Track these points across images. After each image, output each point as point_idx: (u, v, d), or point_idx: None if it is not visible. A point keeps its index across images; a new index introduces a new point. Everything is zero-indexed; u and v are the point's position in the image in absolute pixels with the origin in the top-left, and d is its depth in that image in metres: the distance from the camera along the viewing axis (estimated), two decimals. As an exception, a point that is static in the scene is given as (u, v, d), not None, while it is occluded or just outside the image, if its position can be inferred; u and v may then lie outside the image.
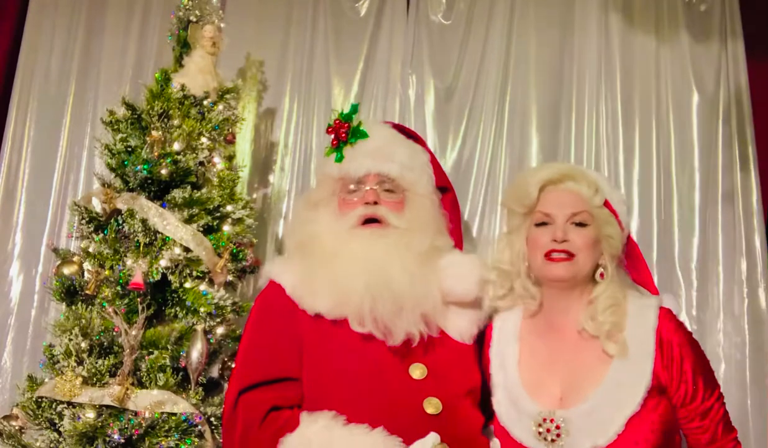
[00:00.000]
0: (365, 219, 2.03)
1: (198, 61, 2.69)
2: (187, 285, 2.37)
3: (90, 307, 2.33)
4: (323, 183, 2.18)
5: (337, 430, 1.78)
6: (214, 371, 2.47)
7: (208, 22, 2.75)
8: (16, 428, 2.23)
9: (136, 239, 2.37)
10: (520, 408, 1.88)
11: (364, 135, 2.11)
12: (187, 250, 2.38)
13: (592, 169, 2.74)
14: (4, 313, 3.04)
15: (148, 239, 2.37)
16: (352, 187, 2.08)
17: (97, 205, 2.47)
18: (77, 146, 3.19)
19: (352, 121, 2.13)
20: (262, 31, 3.20)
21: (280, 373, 1.91)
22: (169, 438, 2.12)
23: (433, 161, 2.28)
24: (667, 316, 1.88)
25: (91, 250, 2.42)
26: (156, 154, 2.43)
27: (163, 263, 2.33)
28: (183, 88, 2.58)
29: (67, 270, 2.41)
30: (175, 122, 2.52)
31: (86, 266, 2.39)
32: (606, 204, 1.96)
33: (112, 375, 2.20)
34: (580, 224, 1.90)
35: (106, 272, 2.35)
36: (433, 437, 1.76)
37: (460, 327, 2.01)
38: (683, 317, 2.60)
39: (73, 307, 2.36)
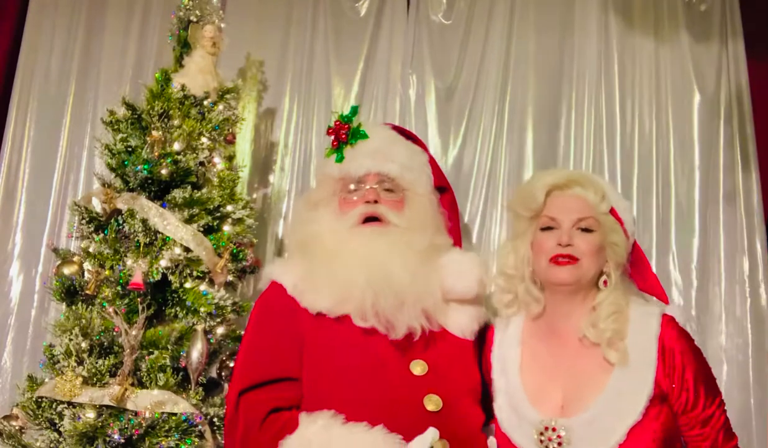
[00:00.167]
0: (366, 217, 2.06)
1: (198, 61, 2.69)
2: (188, 285, 2.37)
3: (90, 307, 2.33)
4: (324, 183, 2.21)
5: (336, 429, 1.79)
6: (214, 371, 2.47)
7: (209, 22, 2.75)
8: (16, 428, 2.23)
9: (136, 239, 2.37)
10: (522, 415, 1.88)
11: (364, 136, 2.15)
12: (187, 250, 2.38)
13: (592, 170, 2.75)
14: (4, 313, 3.04)
15: (148, 239, 2.37)
16: (352, 187, 2.11)
17: (97, 205, 2.47)
18: (77, 146, 3.19)
19: (352, 123, 2.16)
20: (262, 31, 3.20)
21: (280, 373, 1.92)
22: (170, 438, 2.12)
23: (432, 162, 2.31)
24: (669, 323, 1.87)
25: (91, 250, 2.42)
26: (156, 154, 2.43)
27: (164, 263, 2.33)
28: (183, 88, 2.58)
29: (67, 270, 2.41)
30: (176, 122, 2.52)
31: (86, 266, 2.39)
32: (612, 212, 1.96)
33: (113, 375, 2.20)
34: (586, 230, 1.89)
35: (107, 272, 2.35)
36: (432, 433, 1.76)
37: (461, 323, 2.04)
38: (684, 319, 2.60)
39: (73, 307, 2.36)
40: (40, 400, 2.23)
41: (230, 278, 2.49)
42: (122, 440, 2.07)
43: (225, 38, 2.80)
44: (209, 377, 2.40)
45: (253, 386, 1.89)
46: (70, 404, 2.17)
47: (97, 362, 2.20)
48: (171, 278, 2.35)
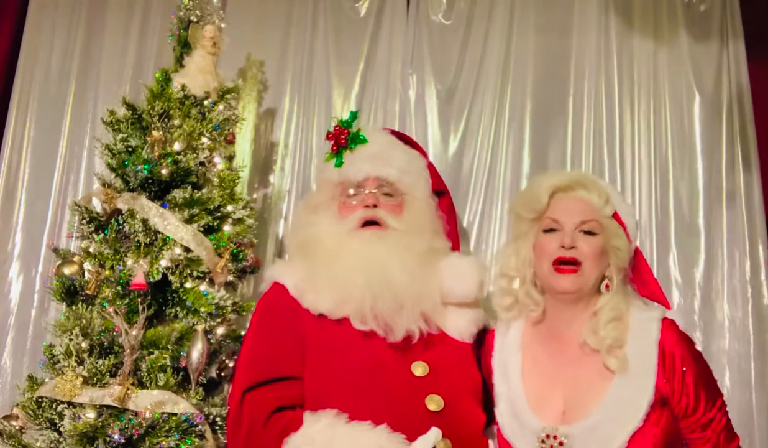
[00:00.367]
0: (365, 221, 2.08)
1: (198, 61, 2.69)
2: (188, 285, 2.37)
3: (90, 307, 2.32)
4: (323, 187, 2.23)
5: (340, 427, 1.80)
6: (214, 371, 2.46)
7: (209, 22, 2.75)
8: (17, 428, 2.23)
9: (136, 239, 2.37)
10: (523, 422, 1.87)
11: (363, 140, 2.17)
12: (187, 250, 2.38)
13: (591, 171, 2.75)
14: (4, 313, 3.04)
15: (148, 239, 2.37)
16: (351, 191, 2.14)
17: (97, 205, 2.47)
18: (77, 146, 3.19)
19: (352, 128, 2.19)
20: (263, 31, 3.20)
21: (284, 372, 1.94)
22: (170, 438, 2.12)
23: (430, 166, 2.35)
24: (669, 327, 1.87)
25: (91, 250, 2.42)
26: (156, 154, 2.43)
27: (164, 263, 2.33)
28: (183, 88, 2.58)
29: (67, 270, 2.41)
30: (176, 122, 2.52)
31: (86, 266, 2.39)
32: (615, 216, 1.96)
33: (113, 375, 2.20)
34: (589, 233, 1.89)
35: (107, 272, 2.35)
36: (435, 433, 1.78)
37: (460, 326, 2.05)
38: (685, 321, 2.60)
39: (74, 307, 2.35)
40: (40, 400, 2.22)
41: (230, 278, 2.49)
42: (122, 440, 2.07)
43: (225, 38, 2.80)
44: (209, 377, 2.40)
45: (257, 384, 1.91)
46: (70, 404, 2.17)
47: (97, 362, 2.19)
48: (171, 278, 2.35)
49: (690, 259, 2.70)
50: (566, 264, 1.87)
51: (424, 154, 2.39)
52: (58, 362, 2.24)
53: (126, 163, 2.46)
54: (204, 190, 2.51)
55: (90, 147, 3.14)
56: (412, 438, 1.78)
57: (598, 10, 2.94)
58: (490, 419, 1.99)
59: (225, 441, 2.15)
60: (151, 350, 2.27)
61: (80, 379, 2.17)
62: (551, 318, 1.96)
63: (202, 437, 2.17)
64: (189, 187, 2.48)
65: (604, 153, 2.83)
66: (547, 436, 1.82)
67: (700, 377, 1.84)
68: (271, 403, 1.89)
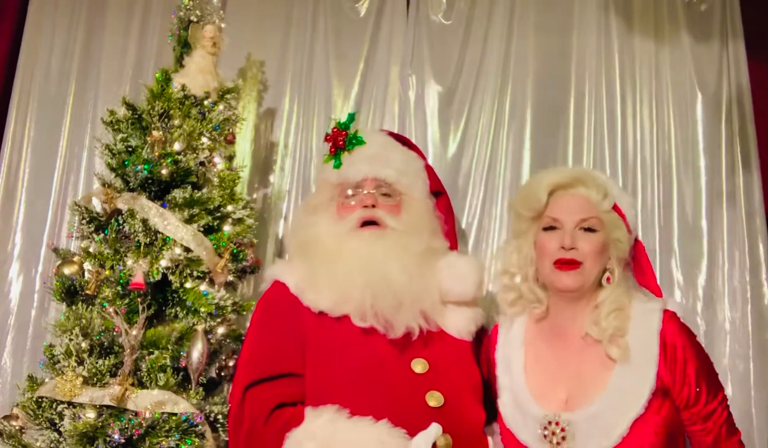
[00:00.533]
0: (363, 221, 2.10)
1: (198, 61, 2.69)
2: (188, 285, 2.37)
3: (90, 307, 2.33)
4: (322, 189, 2.26)
5: (342, 423, 1.82)
6: (214, 371, 2.46)
7: (209, 22, 2.75)
8: (17, 428, 2.23)
9: (136, 239, 2.37)
10: (526, 412, 1.89)
11: (361, 142, 2.20)
12: (187, 250, 2.38)
13: (592, 170, 2.75)
14: (4, 313, 3.03)
15: (148, 239, 2.37)
16: (350, 192, 2.16)
17: (97, 206, 2.47)
18: (77, 146, 3.19)
19: (350, 129, 2.22)
20: (263, 31, 3.20)
21: (285, 369, 1.96)
22: (170, 438, 2.12)
23: (428, 167, 2.37)
24: (671, 319, 1.88)
25: (91, 250, 2.42)
26: (156, 154, 2.43)
27: (164, 263, 2.33)
28: (183, 88, 2.58)
29: (67, 270, 2.41)
30: (176, 122, 2.52)
31: (86, 266, 2.39)
32: (615, 208, 1.97)
33: (113, 375, 2.20)
34: (589, 230, 1.90)
35: (107, 272, 2.35)
36: (435, 428, 1.79)
37: (458, 324, 2.08)
38: (687, 322, 2.59)
39: (74, 307, 2.35)
40: (40, 400, 2.22)
41: (230, 278, 2.49)
42: (122, 440, 2.07)
43: (225, 38, 2.80)
44: (209, 376, 2.40)
45: (258, 381, 1.93)
46: (70, 404, 2.17)
47: (97, 362, 2.20)
48: (171, 278, 2.35)
49: (692, 260, 2.70)
50: (567, 263, 1.89)
51: (422, 156, 2.42)
52: (58, 362, 2.24)
53: (126, 163, 2.46)
54: (204, 190, 2.51)
55: (90, 147, 3.14)
56: (412, 434, 1.79)
57: (598, 10, 2.94)
58: (490, 416, 2.00)
59: (226, 439, 2.15)
60: (151, 350, 2.27)
61: (80, 379, 2.17)
62: (554, 315, 1.97)
63: (202, 437, 2.17)
64: (189, 187, 2.48)
65: (605, 153, 2.82)
66: (549, 423, 1.83)
67: (702, 368, 1.85)
68: (272, 400, 1.90)
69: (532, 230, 2.00)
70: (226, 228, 2.50)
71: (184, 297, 2.36)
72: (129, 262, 2.32)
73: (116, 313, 2.24)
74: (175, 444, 2.11)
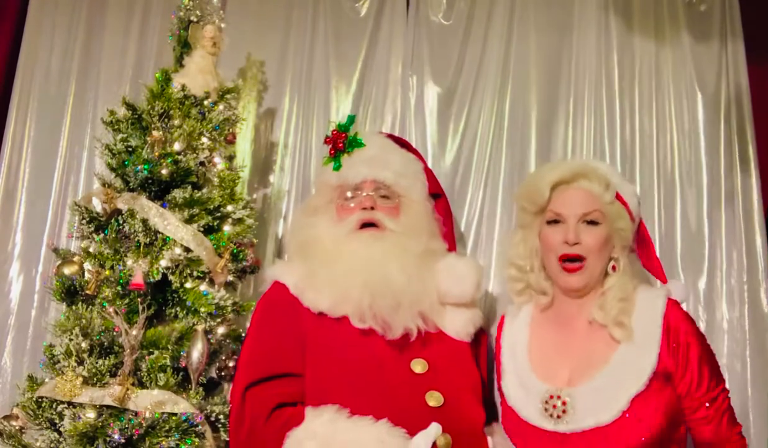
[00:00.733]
0: (363, 223, 2.12)
1: (198, 61, 2.69)
2: (188, 285, 2.37)
3: (90, 307, 2.32)
4: (322, 191, 2.28)
5: (342, 422, 1.83)
6: (214, 371, 2.47)
7: (209, 22, 2.75)
8: (17, 428, 2.23)
9: (136, 239, 2.37)
10: (529, 388, 1.92)
11: (360, 144, 2.22)
12: (187, 250, 2.38)
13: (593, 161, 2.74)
14: (4, 313, 3.03)
15: (148, 239, 2.37)
16: (349, 194, 2.18)
17: (97, 206, 2.46)
18: (77, 146, 3.19)
19: (349, 132, 2.24)
20: (262, 31, 3.20)
21: (285, 369, 1.98)
22: (170, 438, 2.12)
23: (426, 169, 2.39)
24: (675, 305, 1.92)
25: (91, 250, 2.42)
26: (156, 154, 2.43)
27: (164, 263, 2.33)
28: (183, 88, 2.58)
29: (67, 270, 2.40)
30: (176, 122, 2.52)
31: (87, 266, 2.39)
32: (617, 196, 2.00)
33: (113, 375, 2.20)
34: (592, 222, 1.94)
35: (107, 272, 2.35)
36: (435, 428, 1.81)
37: (457, 325, 2.10)
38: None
39: (74, 307, 2.35)
40: (40, 400, 2.22)
41: (230, 278, 2.49)
42: (122, 440, 2.07)
43: (225, 38, 2.79)
44: (209, 376, 2.40)
45: (258, 380, 1.95)
46: (70, 404, 2.17)
47: (97, 362, 2.19)
48: (171, 278, 2.35)
49: (694, 260, 2.70)
50: (572, 261, 1.92)
51: (421, 158, 2.44)
52: (58, 362, 2.24)
53: (126, 163, 2.46)
54: (204, 190, 2.51)
55: (90, 147, 3.14)
56: (412, 433, 1.81)
57: (598, 11, 2.94)
58: (490, 417, 2.01)
59: (226, 439, 2.15)
60: (151, 350, 2.27)
61: (80, 379, 2.17)
62: (559, 305, 2.01)
63: (202, 436, 2.17)
64: (189, 187, 2.48)
65: (605, 153, 2.82)
66: (551, 397, 1.86)
67: (704, 354, 1.88)
68: (272, 399, 1.92)
69: (536, 223, 2.04)
70: (226, 228, 2.50)
71: (184, 297, 2.36)
72: (129, 262, 2.32)
73: (116, 313, 2.24)
74: (175, 444, 2.11)
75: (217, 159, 2.59)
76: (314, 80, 3.11)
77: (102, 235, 2.44)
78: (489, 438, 1.99)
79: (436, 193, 2.40)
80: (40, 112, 3.24)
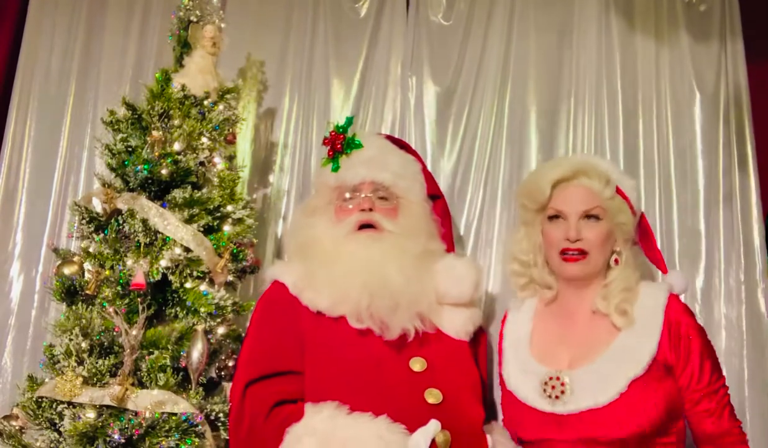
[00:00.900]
0: (361, 225, 2.14)
1: (198, 61, 2.69)
2: (188, 285, 2.37)
3: (90, 307, 2.33)
4: (320, 192, 2.30)
5: (341, 419, 1.84)
6: (213, 371, 2.47)
7: (209, 22, 2.75)
8: (17, 428, 2.23)
9: (136, 239, 2.37)
10: (528, 372, 1.96)
11: (358, 145, 2.24)
12: (187, 250, 2.38)
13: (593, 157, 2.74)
14: (5, 313, 3.03)
15: (148, 239, 2.37)
16: (347, 195, 2.20)
17: (97, 206, 2.47)
18: (77, 146, 3.19)
19: (348, 133, 2.25)
20: (262, 32, 3.20)
21: (284, 366, 1.99)
22: (170, 438, 2.12)
23: (425, 171, 2.42)
24: (676, 300, 1.96)
25: (91, 250, 2.42)
26: (156, 154, 2.43)
27: (164, 263, 2.33)
28: (183, 88, 2.58)
29: (67, 270, 2.41)
30: (176, 122, 2.53)
31: (87, 266, 2.39)
32: (617, 190, 2.03)
33: (113, 375, 2.21)
34: (593, 218, 1.97)
35: (107, 272, 2.35)
36: (434, 425, 1.82)
37: (456, 324, 2.12)
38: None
39: (74, 307, 2.35)
40: (40, 400, 2.22)
41: (230, 278, 2.49)
42: (122, 440, 2.07)
43: (225, 38, 2.80)
44: (209, 376, 2.40)
45: (258, 378, 1.96)
46: (70, 404, 2.17)
47: (97, 362, 2.20)
48: (171, 278, 2.35)
49: (692, 259, 2.70)
50: (572, 252, 1.96)
51: (419, 159, 2.46)
52: (58, 362, 2.24)
53: (126, 163, 2.46)
54: (204, 190, 2.51)
55: (90, 147, 3.14)
56: (411, 431, 1.82)
57: (598, 11, 2.94)
58: (489, 415, 2.02)
59: (226, 439, 2.16)
60: (151, 350, 2.27)
61: (80, 379, 2.17)
62: (563, 298, 2.05)
63: (202, 436, 2.17)
64: (189, 187, 2.48)
65: (605, 153, 2.82)
66: (550, 378, 1.89)
67: (706, 348, 1.90)
68: (272, 397, 1.93)
69: (538, 220, 2.07)
70: (226, 228, 2.50)
71: (184, 297, 2.36)
72: (129, 262, 2.32)
73: (116, 313, 2.24)
74: (175, 444, 2.11)
75: (217, 159, 2.59)
76: (314, 80, 3.11)
77: (102, 235, 2.44)
78: (488, 436, 1.99)
79: (434, 195, 2.41)
80: (40, 112, 3.24)
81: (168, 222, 2.39)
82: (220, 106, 2.65)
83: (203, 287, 2.38)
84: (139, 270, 2.28)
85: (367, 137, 2.29)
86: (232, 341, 2.42)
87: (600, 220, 1.97)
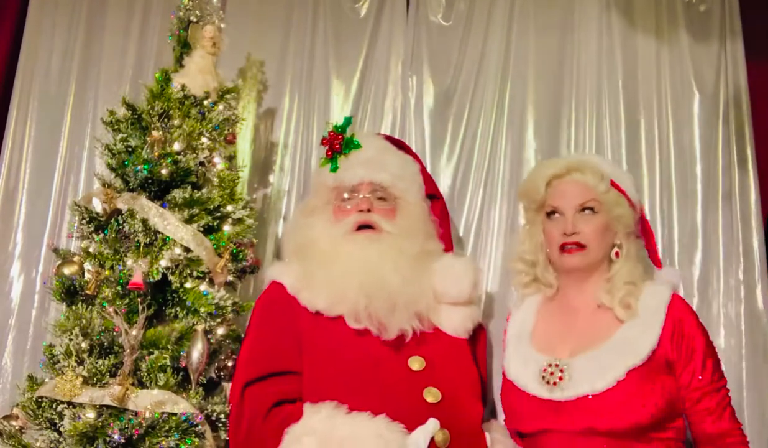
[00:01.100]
0: (359, 225, 2.15)
1: (198, 61, 2.69)
2: (188, 285, 2.37)
3: (90, 307, 2.32)
4: (319, 192, 2.31)
5: (340, 418, 1.85)
6: (213, 371, 2.46)
7: (209, 22, 2.75)
8: (17, 428, 2.23)
9: (136, 239, 2.37)
10: (529, 360, 1.98)
11: (357, 146, 2.25)
12: (187, 250, 2.38)
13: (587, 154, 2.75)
14: (5, 313, 3.03)
15: (148, 239, 2.37)
16: (346, 195, 2.21)
17: (97, 206, 2.46)
18: (78, 146, 3.19)
19: (346, 133, 2.26)
20: (262, 32, 3.20)
21: (283, 367, 2.00)
22: (170, 438, 2.12)
23: (423, 171, 2.43)
24: (680, 299, 1.98)
25: (91, 250, 2.42)
26: (156, 154, 2.43)
27: (164, 263, 2.33)
28: (183, 88, 2.58)
29: (67, 270, 2.41)
30: (176, 122, 2.53)
31: (86, 266, 2.39)
32: (613, 185, 2.06)
33: (113, 375, 2.20)
34: (589, 210, 2.01)
35: (107, 272, 2.35)
36: (433, 424, 1.83)
37: (455, 323, 2.13)
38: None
39: (74, 307, 2.35)
40: (40, 400, 2.22)
41: (230, 278, 2.49)
42: (122, 440, 2.07)
43: (225, 38, 2.79)
44: (209, 377, 2.40)
45: (257, 378, 1.97)
46: (70, 404, 2.17)
47: (97, 362, 2.20)
48: (171, 278, 2.35)
49: (691, 259, 2.70)
50: (571, 247, 2.00)
51: (418, 159, 2.47)
52: (58, 362, 2.24)
53: (126, 163, 2.46)
54: (204, 190, 2.51)
55: (90, 147, 3.14)
56: (410, 429, 1.83)
57: (599, 10, 2.94)
58: (488, 414, 2.03)
59: (226, 439, 2.16)
60: (151, 350, 2.27)
61: (80, 379, 2.17)
62: (565, 292, 2.08)
63: (202, 436, 2.17)
64: (189, 187, 2.48)
65: (606, 153, 2.82)
66: (549, 365, 1.91)
67: (708, 347, 1.92)
68: (271, 397, 1.94)
69: (539, 219, 2.11)
70: (226, 228, 2.50)
71: (184, 297, 2.36)
72: (129, 262, 2.32)
73: (116, 313, 2.24)
74: (175, 444, 2.11)
75: (216, 159, 2.59)
76: (314, 80, 3.11)
77: (102, 235, 2.44)
78: (487, 434, 2.00)
79: (433, 195, 2.41)
80: (40, 112, 3.24)
81: (168, 222, 2.39)
82: (220, 106, 2.65)
83: (203, 287, 2.38)
84: (137, 270, 2.28)
85: (366, 138, 2.30)
86: (232, 341, 2.42)
87: (596, 213, 2.01)
